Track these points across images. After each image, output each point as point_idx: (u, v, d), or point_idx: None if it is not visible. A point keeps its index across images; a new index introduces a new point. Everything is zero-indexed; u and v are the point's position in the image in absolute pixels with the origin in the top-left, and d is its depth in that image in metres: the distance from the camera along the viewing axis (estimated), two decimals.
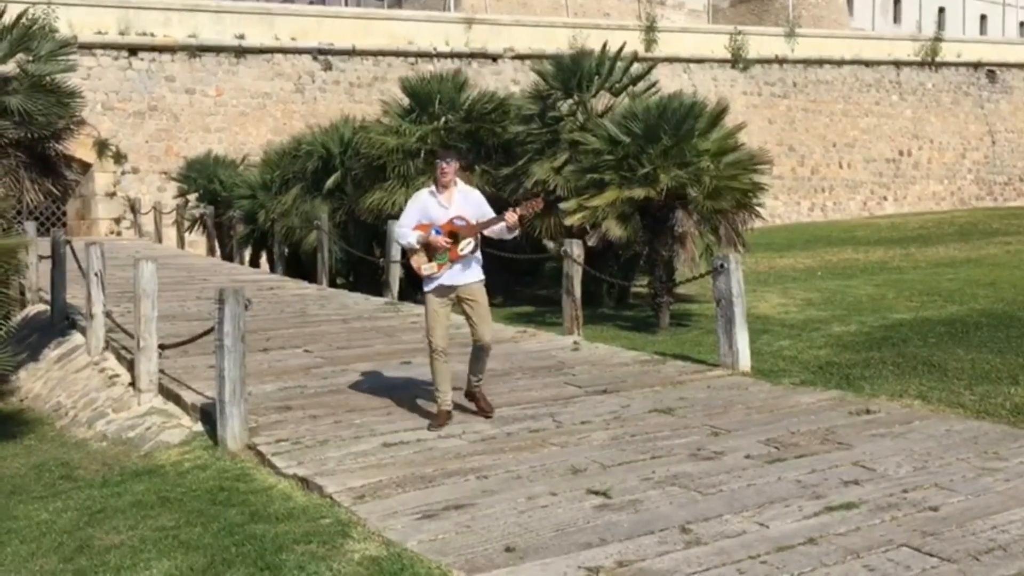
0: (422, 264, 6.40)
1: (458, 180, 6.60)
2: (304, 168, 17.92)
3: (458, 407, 6.70)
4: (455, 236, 6.38)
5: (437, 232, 6.37)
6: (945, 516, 4.57)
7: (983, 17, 65.69)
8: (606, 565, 4.10)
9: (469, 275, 6.49)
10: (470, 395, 6.79)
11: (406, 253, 6.61)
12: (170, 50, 29.55)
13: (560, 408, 6.91)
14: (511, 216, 6.43)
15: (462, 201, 6.53)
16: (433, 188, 6.58)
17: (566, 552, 4.24)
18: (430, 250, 6.39)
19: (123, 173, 28.67)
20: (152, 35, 29.44)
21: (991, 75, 45.36)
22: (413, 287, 15.18)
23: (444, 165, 6.49)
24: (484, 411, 6.69)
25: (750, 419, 6.53)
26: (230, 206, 21.30)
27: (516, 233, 6.64)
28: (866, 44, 43.82)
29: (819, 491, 4.96)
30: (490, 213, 6.59)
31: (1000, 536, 4.30)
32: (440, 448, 5.93)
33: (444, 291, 6.46)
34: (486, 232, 6.54)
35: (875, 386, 7.71)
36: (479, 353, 6.60)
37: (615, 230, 11.63)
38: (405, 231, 6.49)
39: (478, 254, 6.54)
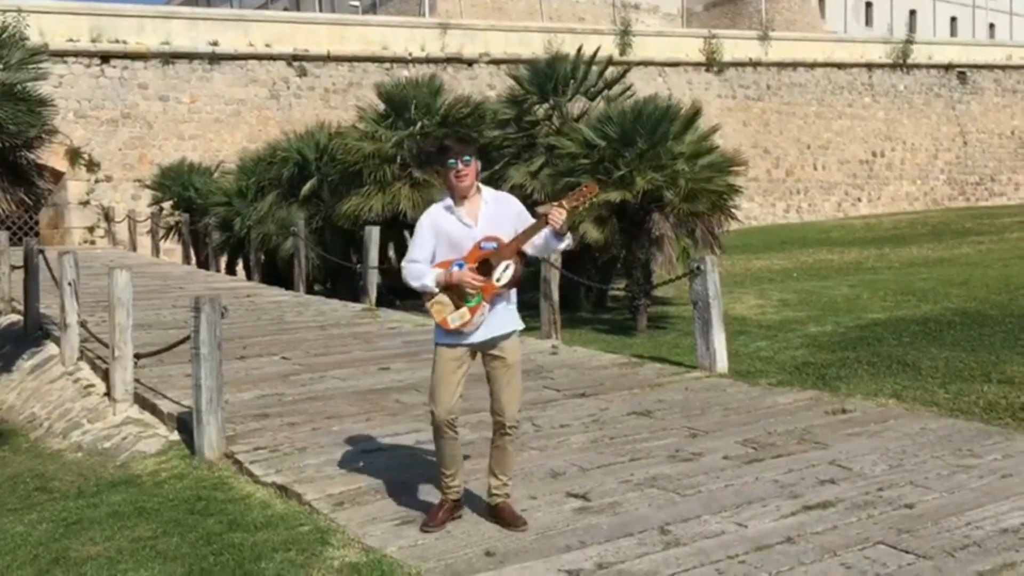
0: (447, 315, 4.49)
1: (481, 186, 4.63)
2: (280, 175, 17.89)
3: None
4: (487, 264, 4.48)
5: (460, 266, 4.48)
6: (920, 513, 4.61)
7: (953, 19, 66.47)
8: (586, 568, 4.11)
9: (506, 323, 4.56)
10: (492, 508, 4.71)
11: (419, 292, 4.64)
12: (143, 57, 29.40)
13: (539, 412, 6.91)
14: (556, 214, 4.39)
15: (493, 214, 4.55)
16: (448, 201, 4.58)
17: (546, 556, 4.25)
18: (454, 291, 4.49)
19: (96, 181, 28.48)
20: (125, 42, 29.26)
21: (962, 76, 45.91)
22: (391, 293, 15.19)
23: (461, 166, 4.49)
24: (512, 524, 4.59)
25: (728, 420, 6.56)
26: (205, 213, 21.21)
27: (568, 241, 4.55)
28: (838, 47, 44.28)
29: (796, 490, 4.99)
30: (530, 220, 4.58)
31: (975, 532, 4.35)
32: (419, 454, 5.92)
33: (471, 345, 4.56)
34: (527, 249, 4.54)
35: (851, 386, 7.77)
36: (501, 439, 4.63)
37: (592, 233, 11.68)
38: (419, 268, 4.53)
39: (513, 291, 4.62)
